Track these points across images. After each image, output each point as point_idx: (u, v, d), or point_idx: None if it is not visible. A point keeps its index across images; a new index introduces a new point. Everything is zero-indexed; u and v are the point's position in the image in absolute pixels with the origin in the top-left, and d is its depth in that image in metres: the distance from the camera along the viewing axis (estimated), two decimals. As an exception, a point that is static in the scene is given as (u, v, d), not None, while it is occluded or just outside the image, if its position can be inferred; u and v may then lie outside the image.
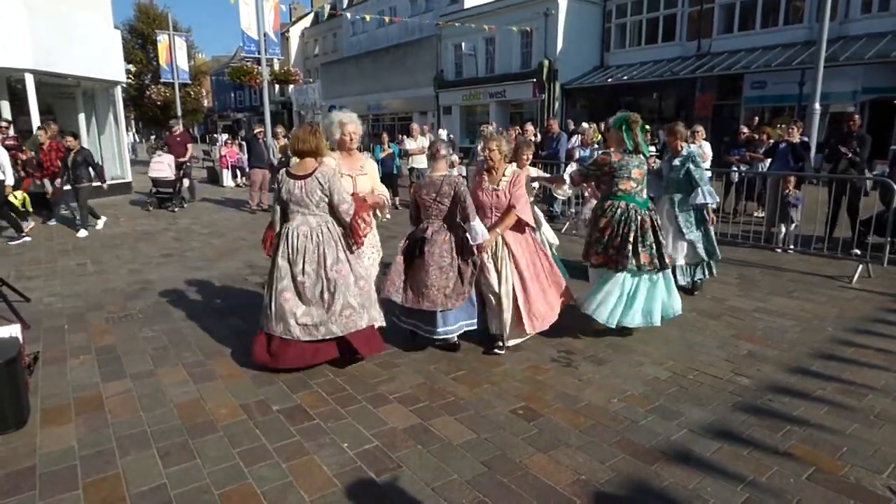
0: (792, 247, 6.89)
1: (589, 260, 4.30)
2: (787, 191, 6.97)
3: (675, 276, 4.99)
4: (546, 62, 22.89)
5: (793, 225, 7.00)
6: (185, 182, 11.80)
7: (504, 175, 3.89)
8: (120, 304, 5.07)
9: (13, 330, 3.22)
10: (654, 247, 4.02)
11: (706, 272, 5.23)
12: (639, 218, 4.01)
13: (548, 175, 5.29)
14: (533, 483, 2.49)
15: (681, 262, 5.10)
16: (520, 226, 3.93)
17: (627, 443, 2.80)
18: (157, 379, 3.54)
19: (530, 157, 4.93)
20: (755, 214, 8.93)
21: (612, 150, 4.10)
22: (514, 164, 4.03)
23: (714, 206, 5.01)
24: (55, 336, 4.28)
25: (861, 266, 5.73)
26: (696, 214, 5.01)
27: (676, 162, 5.01)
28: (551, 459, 2.67)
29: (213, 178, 16.54)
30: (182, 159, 11.28)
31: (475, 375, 3.58)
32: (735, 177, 9.19)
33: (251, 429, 2.95)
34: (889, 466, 2.58)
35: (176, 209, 10.84)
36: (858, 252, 6.19)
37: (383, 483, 2.50)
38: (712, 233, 5.12)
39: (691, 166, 4.89)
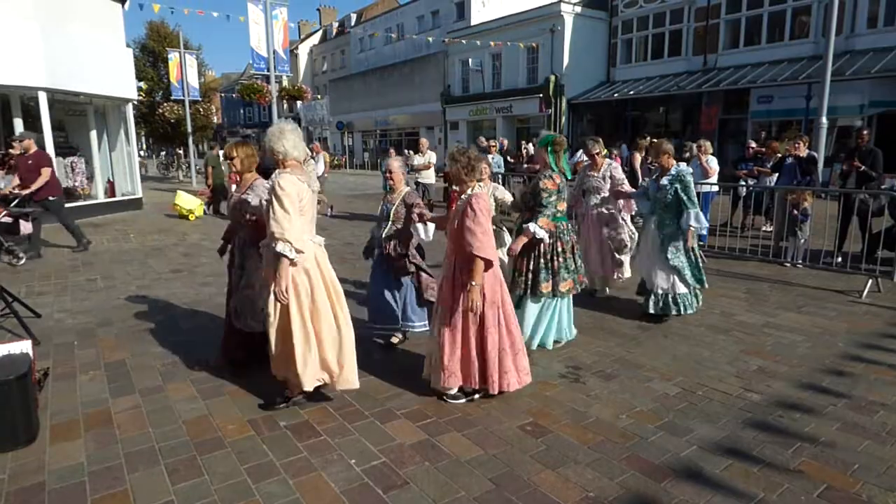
0: (801, 261, 6.85)
1: (557, 289, 4.08)
2: (804, 204, 6.92)
3: (647, 303, 4.81)
4: (552, 77, 23.09)
5: (801, 240, 6.96)
6: (26, 226, 7.53)
7: (461, 199, 3.30)
8: (129, 319, 5.11)
9: (24, 346, 3.25)
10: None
11: (692, 302, 4.77)
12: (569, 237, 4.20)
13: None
14: (541, 500, 2.47)
15: (660, 288, 4.72)
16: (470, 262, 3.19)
17: (636, 459, 2.78)
18: (165, 395, 3.56)
19: (487, 172, 4.59)
20: (763, 229, 8.90)
21: (549, 172, 4.01)
22: (479, 186, 3.31)
23: (701, 231, 4.71)
24: (65, 352, 4.31)
25: (871, 281, 5.68)
26: (684, 238, 4.64)
27: (664, 181, 4.63)
28: (559, 476, 2.65)
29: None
30: (28, 191, 7.51)
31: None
32: (743, 191, 9.17)
33: (258, 445, 2.95)
34: (903, 485, 2.54)
35: None
36: (868, 267, 6.14)
37: (391, 500, 2.49)
38: (699, 259, 4.79)
39: (679, 187, 4.52)
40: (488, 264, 3.18)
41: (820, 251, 6.73)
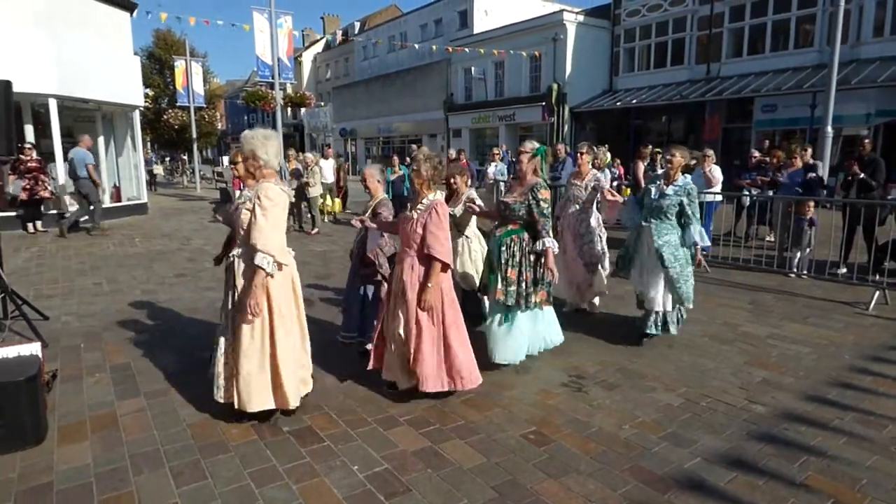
0: (806, 272, 6.83)
1: (535, 301, 3.92)
2: (809, 214, 6.89)
3: (644, 322, 4.49)
4: (555, 86, 23.18)
5: (807, 249, 6.94)
6: None
7: (422, 203, 3.38)
8: (134, 323, 5.14)
9: (34, 348, 3.28)
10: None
11: (674, 323, 4.47)
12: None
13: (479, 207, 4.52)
14: (544, 510, 2.47)
15: (658, 305, 4.35)
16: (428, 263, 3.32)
17: (639, 470, 2.77)
18: (169, 398, 3.57)
19: (463, 183, 4.65)
20: (767, 239, 8.89)
21: (542, 182, 3.89)
22: (439, 192, 3.45)
23: (704, 244, 4.52)
24: (72, 354, 4.34)
25: (878, 292, 5.64)
26: (684, 251, 4.34)
27: (669, 191, 4.34)
28: (562, 486, 2.64)
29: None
30: None
31: (485, 399, 3.57)
32: (746, 201, 9.17)
33: (262, 449, 2.96)
34: (909, 498, 2.52)
35: None
36: (875, 278, 6.11)
37: (394, 507, 2.49)
38: (692, 278, 4.41)
39: (685, 199, 4.28)
40: (445, 267, 3.33)
41: (825, 262, 6.71)
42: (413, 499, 2.54)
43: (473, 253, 4.73)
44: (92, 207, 10.25)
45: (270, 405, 3.10)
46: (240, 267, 3.06)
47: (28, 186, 9.77)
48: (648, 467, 2.79)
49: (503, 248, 3.91)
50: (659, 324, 4.45)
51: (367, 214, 3.96)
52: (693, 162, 8.85)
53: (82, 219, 10.33)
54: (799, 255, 6.96)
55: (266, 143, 3.02)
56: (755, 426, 3.20)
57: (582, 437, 3.09)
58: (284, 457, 2.88)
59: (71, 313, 5.44)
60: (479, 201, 4.54)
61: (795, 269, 6.92)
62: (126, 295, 6.13)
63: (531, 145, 4.00)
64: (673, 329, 4.47)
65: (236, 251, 3.12)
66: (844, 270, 6.77)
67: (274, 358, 3.04)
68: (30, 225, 10.24)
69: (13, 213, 9.96)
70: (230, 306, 3.11)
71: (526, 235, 3.90)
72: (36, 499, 2.54)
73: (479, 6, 28.21)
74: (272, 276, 2.96)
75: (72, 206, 10.67)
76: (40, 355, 3.25)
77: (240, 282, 3.04)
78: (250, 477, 2.70)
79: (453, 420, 3.29)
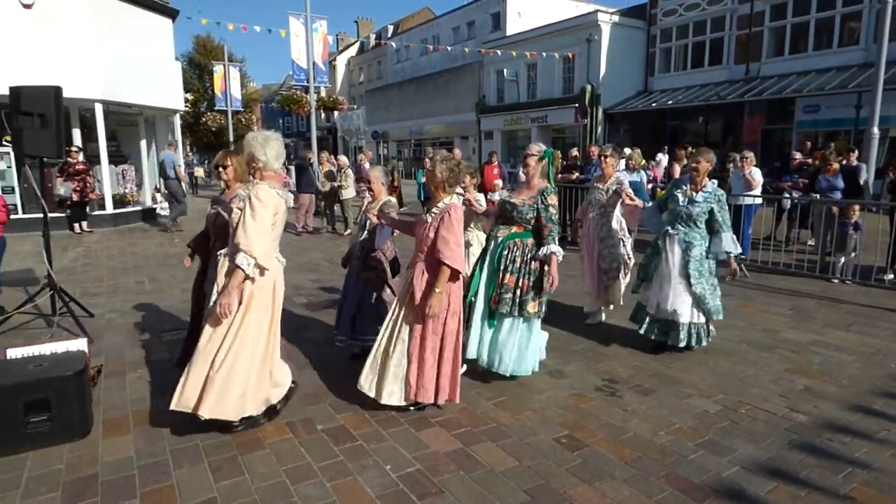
0: (850, 278, 6.57)
1: (540, 310, 3.74)
2: (854, 217, 6.62)
3: (673, 335, 4.27)
4: (588, 87, 22.91)
5: (852, 254, 6.68)
6: None
7: (437, 206, 3.29)
8: (174, 321, 5.30)
9: (80, 344, 3.43)
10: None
11: (705, 335, 4.31)
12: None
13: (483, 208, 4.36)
14: (577, 515, 2.45)
15: (686, 319, 4.18)
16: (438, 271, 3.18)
17: (676, 477, 2.72)
18: (208, 394, 3.67)
19: (472, 185, 4.47)
20: (809, 243, 8.59)
21: (550, 188, 3.69)
22: (456, 196, 3.34)
23: (744, 254, 4.40)
24: (115, 350, 4.51)
25: (928, 299, 5.41)
26: (709, 263, 4.21)
27: (699, 197, 4.15)
28: (596, 491, 2.61)
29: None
30: None
31: (517, 402, 3.56)
32: (787, 204, 8.88)
33: (296, 447, 3.02)
34: (965, 516, 2.40)
35: None
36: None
37: (425, 507, 2.51)
38: (718, 289, 4.29)
39: (716, 207, 4.11)
40: (455, 275, 3.20)
41: (871, 267, 6.44)
42: (445, 500, 2.55)
43: (472, 257, 4.49)
44: (179, 204, 11.50)
45: (187, 407, 2.93)
46: (223, 266, 3.01)
47: (78, 188, 10.22)
48: (685, 475, 2.73)
49: (505, 252, 3.72)
50: (692, 336, 4.25)
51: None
52: (730, 165, 8.66)
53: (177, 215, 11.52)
54: (843, 259, 6.70)
55: (265, 145, 2.98)
56: (796, 436, 3.10)
57: (616, 443, 3.05)
58: (319, 455, 2.93)
59: (115, 311, 5.66)
60: (482, 201, 4.38)
61: (839, 275, 6.67)
62: (166, 293, 6.35)
63: (538, 148, 3.83)
64: (704, 341, 4.30)
65: (224, 249, 3.08)
66: (892, 276, 6.49)
67: (214, 358, 2.93)
68: (76, 225, 10.72)
69: (62, 214, 10.43)
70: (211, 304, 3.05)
71: (530, 241, 3.73)
72: (82, 489, 2.65)
73: (512, 8, 28.14)
74: (252, 279, 2.89)
75: (162, 204, 12.51)
76: (86, 351, 3.40)
77: (221, 280, 2.97)
78: (286, 474, 2.76)
79: (485, 423, 3.29)
